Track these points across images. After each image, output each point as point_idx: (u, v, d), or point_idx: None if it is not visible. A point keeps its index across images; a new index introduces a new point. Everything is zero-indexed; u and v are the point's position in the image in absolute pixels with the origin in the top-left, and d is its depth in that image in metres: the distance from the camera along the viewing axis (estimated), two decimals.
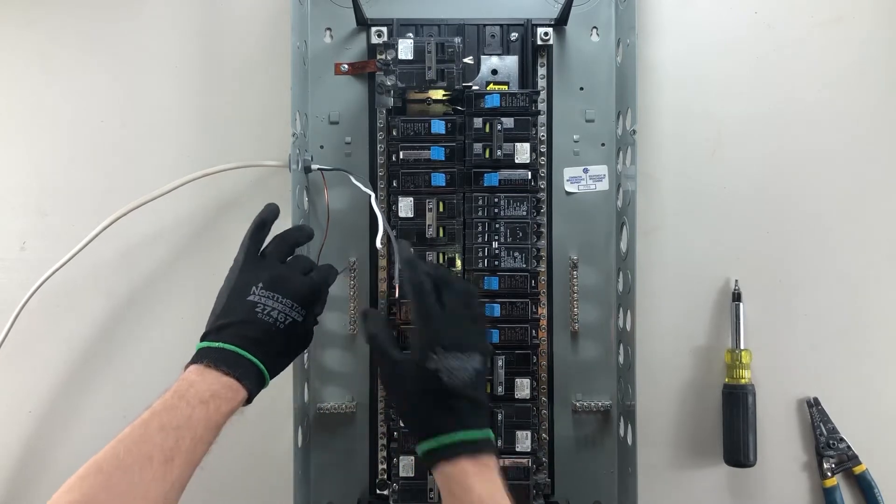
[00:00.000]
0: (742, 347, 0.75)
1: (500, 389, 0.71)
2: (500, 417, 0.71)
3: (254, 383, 0.57)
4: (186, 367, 0.56)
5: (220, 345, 0.57)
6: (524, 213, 0.71)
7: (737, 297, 0.76)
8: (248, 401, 0.57)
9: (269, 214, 0.63)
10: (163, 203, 0.74)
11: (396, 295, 0.71)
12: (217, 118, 0.78)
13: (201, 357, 0.56)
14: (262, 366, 0.57)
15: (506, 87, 0.75)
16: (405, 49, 0.70)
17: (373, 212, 0.69)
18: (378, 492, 0.75)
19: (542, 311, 0.75)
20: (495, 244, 0.71)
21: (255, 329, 0.58)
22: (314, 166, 0.72)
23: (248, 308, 0.58)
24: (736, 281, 0.76)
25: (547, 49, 0.76)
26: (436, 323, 0.57)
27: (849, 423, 0.77)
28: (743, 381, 0.75)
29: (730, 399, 0.75)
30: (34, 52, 0.78)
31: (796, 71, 0.78)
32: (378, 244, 0.67)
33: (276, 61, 0.76)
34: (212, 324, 0.59)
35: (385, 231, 0.69)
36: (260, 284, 0.59)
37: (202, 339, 0.58)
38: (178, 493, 0.51)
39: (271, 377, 0.59)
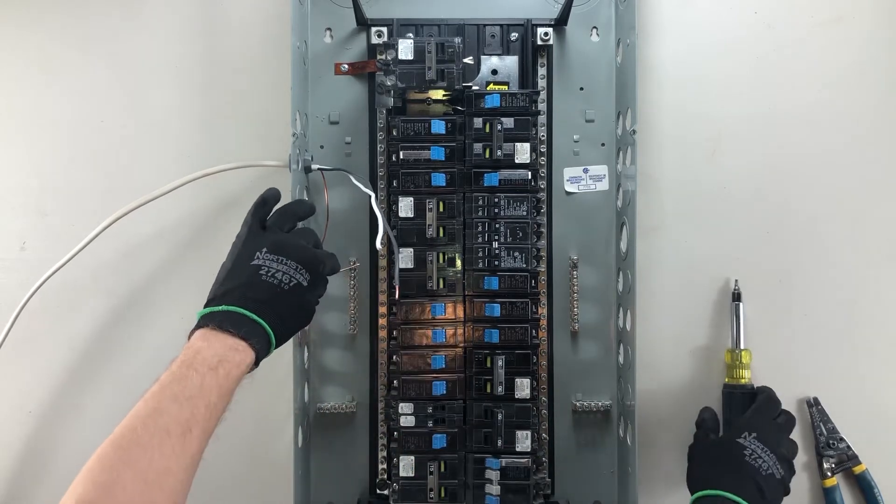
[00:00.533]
0: (742, 347, 0.75)
1: (500, 389, 0.71)
2: (500, 417, 0.71)
3: (261, 344, 0.57)
4: (190, 335, 0.56)
5: (224, 307, 0.57)
6: (524, 213, 0.71)
7: (737, 297, 0.76)
8: (256, 364, 0.57)
9: (271, 195, 0.65)
10: (163, 203, 0.74)
11: (397, 295, 0.71)
12: (217, 118, 0.78)
13: (205, 321, 0.56)
14: (267, 326, 0.57)
15: (506, 87, 0.75)
16: (405, 49, 0.70)
17: (373, 212, 0.69)
18: (378, 492, 0.75)
19: (542, 311, 0.75)
20: (495, 244, 0.71)
21: (258, 290, 0.58)
22: (314, 166, 0.72)
23: (251, 272, 0.59)
24: (736, 281, 0.76)
25: (547, 49, 0.76)
26: (764, 420, 0.69)
27: (849, 423, 0.77)
28: (743, 380, 0.75)
29: (730, 399, 0.75)
30: (34, 52, 0.78)
31: (796, 71, 0.78)
32: (378, 244, 0.67)
33: (276, 61, 0.76)
34: (214, 291, 0.59)
35: (385, 232, 0.68)
36: (264, 249, 0.60)
37: (205, 306, 0.58)
38: (196, 465, 0.51)
39: (278, 343, 0.59)
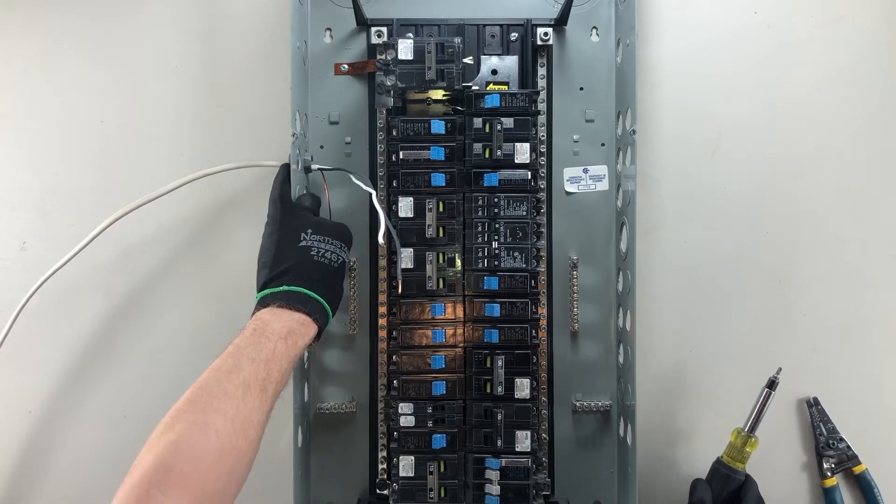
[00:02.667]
0: (754, 435, 0.70)
1: (499, 389, 0.71)
2: (499, 417, 0.71)
3: (322, 319, 0.61)
4: (253, 314, 0.60)
5: (286, 288, 0.60)
6: (524, 213, 0.71)
7: (771, 384, 0.71)
8: (317, 337, 0.62)
9: (289, 171, 0.68)
10: (163, 203, 0.74)
11: (399, 291, 0.71)
12: (217, 118, 0.78)
13: (270, 300, 0.60)
14: (325, 303, 0.62)
15: (506, 87, 0.75)
16: (405, 49, 0.70)
17: (373, 211, 0.69)
18: (378, 492, 0.75)
19: (542, 311, 0.75)
20: (495, 244, 0.71)
21: (314, 270, 0.62)
22: (314, 166, 0.72)
23: (302, 252, 0.63)
24: (779, 370, 0.71)
25: (547, 49, 0.76)
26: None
27: (849, 423, 0.77)
28: (739, 466, 0.70)
29: (718, 475, 0.70)
30: (34, 52, 0.78)
31: (796, 71, 0.78)
32: (380, 239, 0.67)
33: (275, 61, 0.76)
34: (268, 274, 0.62)
35: (387, 227, 0.68)
36: (309, 231, 0.64)
37: (262, 289, 0.61)
38: (267, 422, 0.54)
39: (332, 314, 0.64)
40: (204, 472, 0.48)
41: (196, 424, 0.49)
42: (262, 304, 0.60)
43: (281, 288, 0.60)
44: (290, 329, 0.58)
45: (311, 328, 0.60)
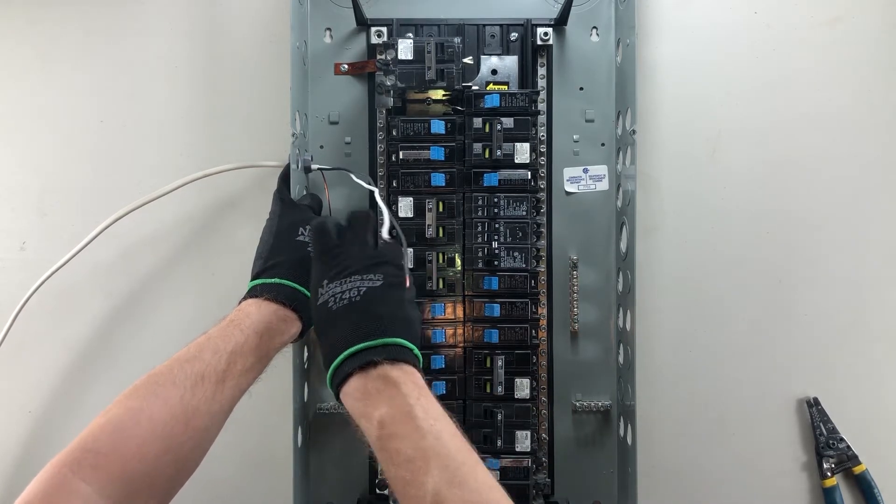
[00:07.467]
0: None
1: (499, 389, 0.71)
2: (499, 417, 0.71)
3: (307, 316, 0.60)
4: (240, 302, 0.59)
5: (278, 280, 0.60)
6: (524, 213, 0.71)
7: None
8: (301, 335, 0.60)
9: (288, 169, 0.68)
10: (163, 203, 0.74)
11: (407, 284, 0.70)
12: (217, 118, 0.78)
13: (259, 291, 0.59)
14: None
15: (505, 87, 0.75)
16: (405, 49, 0.70)
17: (375, 208, 0.68)
18: (378, 492, 0.75)
19: (542, 310, 0.75)
20: (495, 244, 0.71)
21: (306, 266, 0.60)
22: (314, 166, 0.72)
23: (298, 247, 0.62)
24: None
25: (547, 49, 0.76)
26: (324, 260, 0.57)
27: (849, 423, 0.77)
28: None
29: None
30: (34, 52, 0.78)
31: (796, 71, 0.78)
32: (384, 234, 0.66)
33: (276, 61, 0.76)
34: (262, 265, 0.62)
35: (391, 223, 0.67)
36: (308, 227, 0.63)
37: (255, 279, 0.61)
38: (225, 416, 0.54)
39: None
40: (128, 454, 0.48)
41: (130, 409, 0.50)
42: (252, 293, 0.60)
43: (273, 280, 0.60)
44: (268, 324, 0.57)
45: (294, 325, 0.60)
